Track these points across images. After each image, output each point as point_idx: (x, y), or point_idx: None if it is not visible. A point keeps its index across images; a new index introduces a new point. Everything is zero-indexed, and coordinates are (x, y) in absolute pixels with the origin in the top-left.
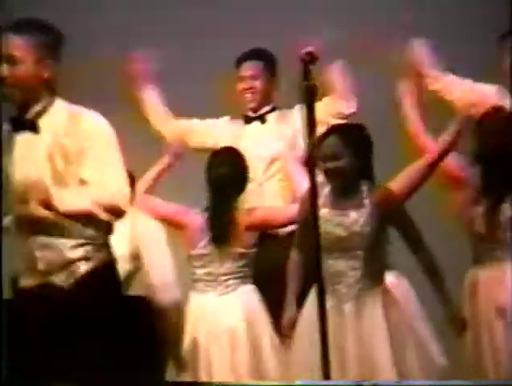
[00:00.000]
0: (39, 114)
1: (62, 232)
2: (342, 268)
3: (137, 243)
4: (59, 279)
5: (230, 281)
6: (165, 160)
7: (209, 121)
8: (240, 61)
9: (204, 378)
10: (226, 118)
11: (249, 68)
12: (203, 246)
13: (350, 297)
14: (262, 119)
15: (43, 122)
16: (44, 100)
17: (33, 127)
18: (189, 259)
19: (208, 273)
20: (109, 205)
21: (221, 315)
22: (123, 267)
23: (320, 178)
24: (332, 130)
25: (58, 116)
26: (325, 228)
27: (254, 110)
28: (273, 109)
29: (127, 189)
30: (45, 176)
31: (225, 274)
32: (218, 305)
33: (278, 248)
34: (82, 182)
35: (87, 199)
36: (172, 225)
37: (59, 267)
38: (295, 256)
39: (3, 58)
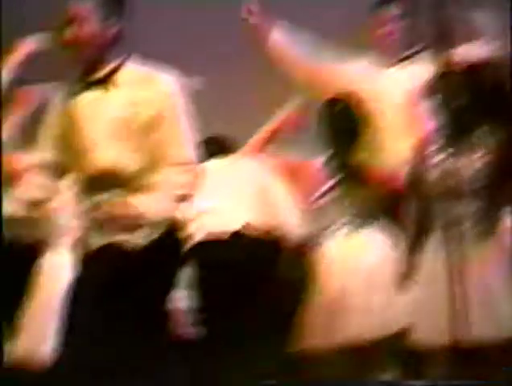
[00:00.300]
0: (111, 73)
1: (137, 189)
2: (458, 213)
3: (262, 181)
4: (133, 239)
5: (355, 223)
6: (280, 122)
7: (350, 66)
8: (379, 4)
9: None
10: (365, 62)
11: (388, 12)
12: (322, 196)
13: (467, 242)
14: (399, 63)
15: (115, 81)
16: (115, 60)
17: (105, 85)
18: (307, 211)
19: (331, 221)
20: (183, 196)
21: (355, 254)
22: (248, 204)
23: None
24: (455, 70)
25: (131, 76)
26: (441, 172)
27: (394, 54)
28: (414, 52)
29: (196, 164)
30: (116, 136)
31: (348, 220)
32: (350, 246)
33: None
34: (155, 146)
35: (164, 202)
36: (288, 178)
37: (133, 226)
38: (411, 204)
39: (69, 19)
